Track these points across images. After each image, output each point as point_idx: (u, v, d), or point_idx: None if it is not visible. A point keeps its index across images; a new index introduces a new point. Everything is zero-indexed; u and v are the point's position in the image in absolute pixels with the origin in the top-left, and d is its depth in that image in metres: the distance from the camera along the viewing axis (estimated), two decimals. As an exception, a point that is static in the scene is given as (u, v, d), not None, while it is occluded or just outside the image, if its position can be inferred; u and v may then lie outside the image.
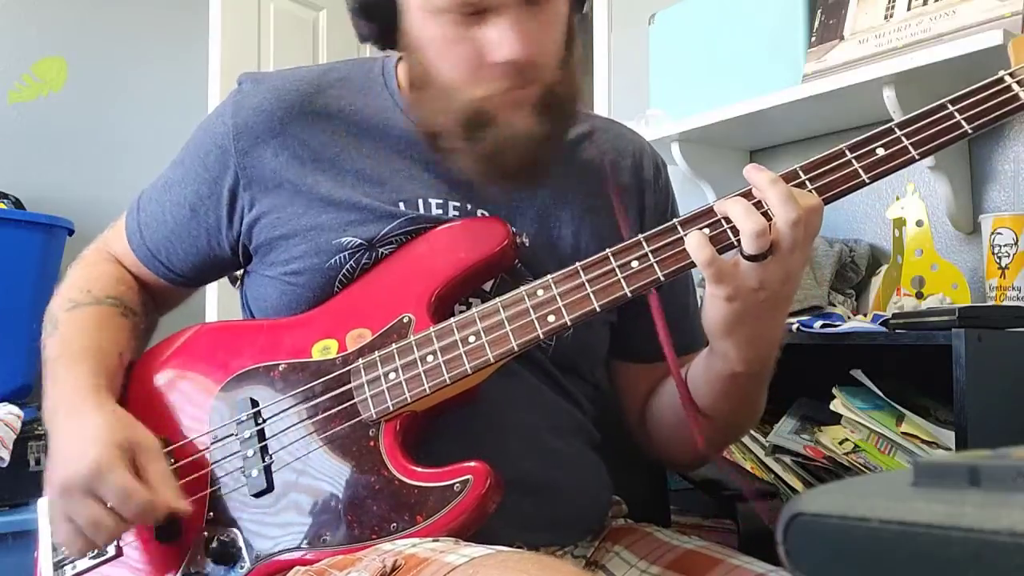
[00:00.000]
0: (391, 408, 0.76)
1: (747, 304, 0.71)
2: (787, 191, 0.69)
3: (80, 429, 0.76)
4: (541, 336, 0.75)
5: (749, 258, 0.69)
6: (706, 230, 0.72)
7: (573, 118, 0.87)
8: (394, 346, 0.78)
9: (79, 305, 0.89)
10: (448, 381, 0.75)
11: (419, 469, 0.74)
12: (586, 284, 0.75)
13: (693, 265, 0.73)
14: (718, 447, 1.02)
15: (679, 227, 0.74)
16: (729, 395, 0.82)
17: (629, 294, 0.74)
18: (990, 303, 1.29)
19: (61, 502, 0.75)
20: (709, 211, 0.74)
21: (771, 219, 0.69)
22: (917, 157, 0.72)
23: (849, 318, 1.32)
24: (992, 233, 1.30)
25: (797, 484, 1.28)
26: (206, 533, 0.78)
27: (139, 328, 0.92)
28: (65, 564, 0.82)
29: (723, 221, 0.73)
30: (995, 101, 0.71)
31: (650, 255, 0.74)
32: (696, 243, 0.70)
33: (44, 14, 2.46)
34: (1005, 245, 1.29)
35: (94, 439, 0.75)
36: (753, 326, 0.74)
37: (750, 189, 0.72)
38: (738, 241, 0.70)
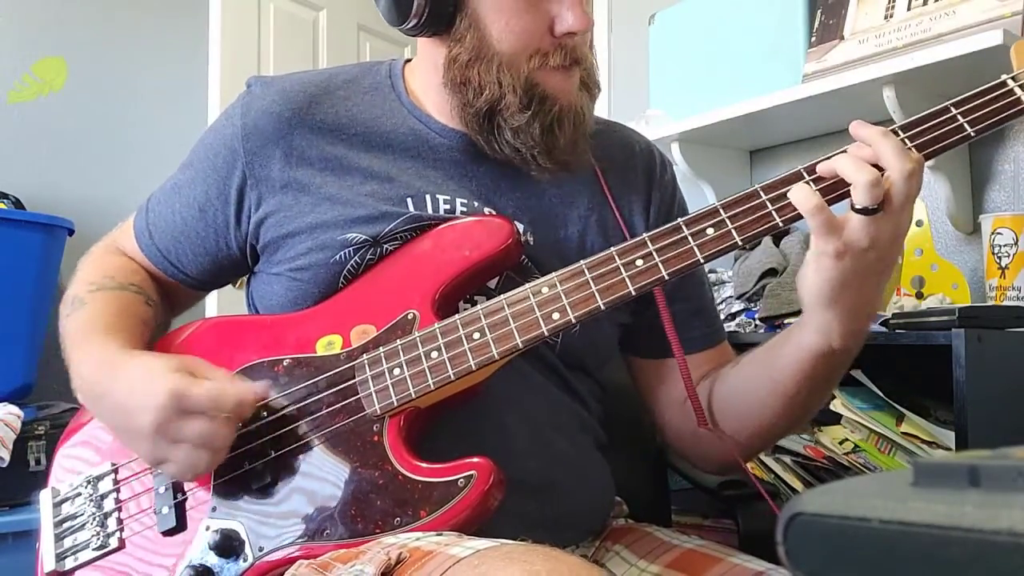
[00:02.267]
0: (395, 403, 0.76)
1: (856, 264, 0.69)
2: (900, 144, 0.69)
3: (136, 376, 0.76)
4: (546, 333, 0.75)
5: (861, 211, 0.68)
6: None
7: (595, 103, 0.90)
8: (398, 342, 0.78)
9: (103, 288, 0.89)
10: (453, 377, 0.76)
11: (423, 464, 0.74)
12: (591, 282, 0.75)
13: (697, 264, 0.73)
14: (776, 439, 1.04)
15: (683, 226, 0.74)
16: (815, 377, 0.79)
17: (633, 292, 0.74)
18: (990, 303, 1.29)
19: (159, 440, 0.74)
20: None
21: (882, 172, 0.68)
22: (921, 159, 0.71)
23: (849, 318, 1.32)
24: (992, 233, 1.30)
25: (797, 484, 1.28)
26: (209, 526, 0.78)
27: (157, 319, 0.92)
28: (67, 556, 0.82)
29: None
30: (998, 105, 0.71)
31: (654, 254, 0.74)
32: (803, 193, 0.70)
33: (44, 14, 2.46)
34: (1005, 245, 1.29)
35: (151, 376, 0.74)
36: (859, 291, 0.72)
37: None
38: (839, 197, 0.70)
